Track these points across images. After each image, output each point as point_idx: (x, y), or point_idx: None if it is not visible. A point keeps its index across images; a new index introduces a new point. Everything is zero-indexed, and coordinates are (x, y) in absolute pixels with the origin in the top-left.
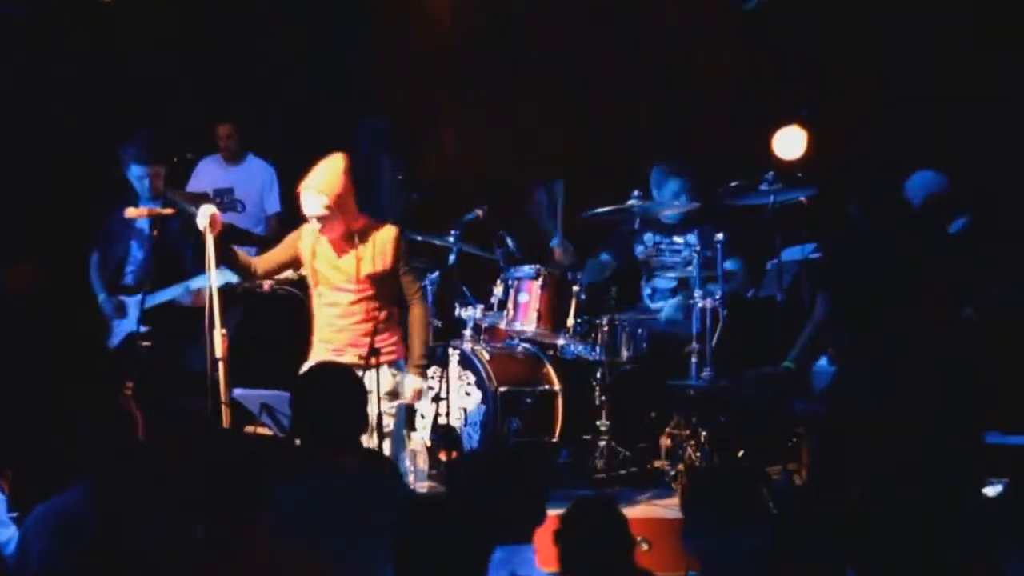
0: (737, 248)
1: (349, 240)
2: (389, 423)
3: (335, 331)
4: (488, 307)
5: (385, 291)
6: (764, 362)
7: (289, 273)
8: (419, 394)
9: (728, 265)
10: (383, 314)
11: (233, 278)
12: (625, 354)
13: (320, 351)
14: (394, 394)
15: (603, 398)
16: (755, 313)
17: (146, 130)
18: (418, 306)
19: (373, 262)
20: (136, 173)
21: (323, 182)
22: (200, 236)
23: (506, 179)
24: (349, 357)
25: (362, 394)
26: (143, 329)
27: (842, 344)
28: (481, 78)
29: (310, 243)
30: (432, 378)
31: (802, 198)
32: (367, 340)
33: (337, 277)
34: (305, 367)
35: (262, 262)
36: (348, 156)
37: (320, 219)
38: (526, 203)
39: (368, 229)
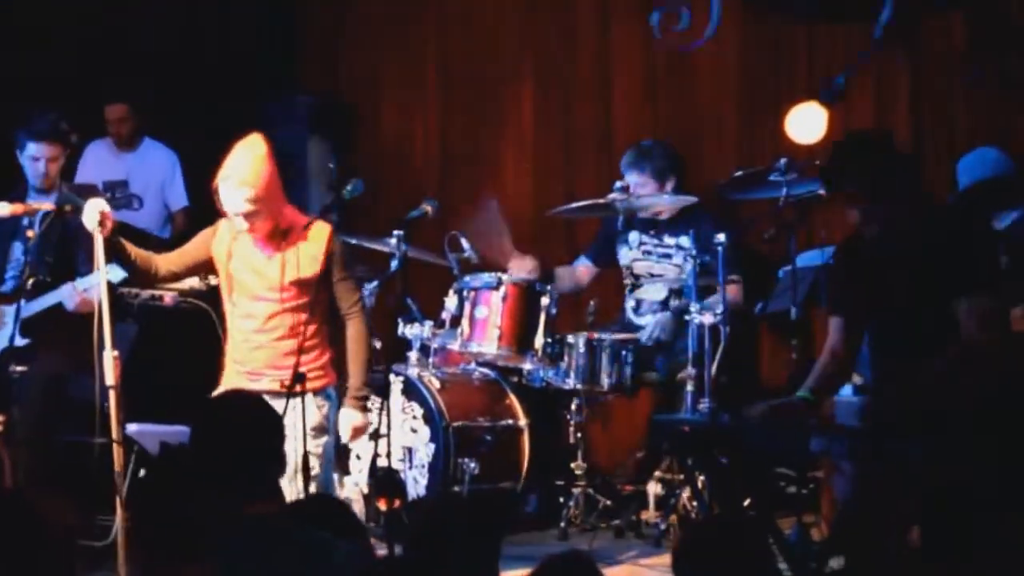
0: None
1: (274, 240)
2: (315, 465)
3: (251, 349)
4: (438, 324)
5: (314, 302)
6: (775, 392)
7: (195, 282)
8: (359, 432)
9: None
10: (310, 330)
11: (123, 273)
12: (606, 381)
13: (233, 375)
14: (321, 429)
15: (579, 435)
16: (764, 331)
17: (51, 110)
18: (356, 323)
19: (301, 266)
20: (31, 152)
21: (247, 171)
22: (90, 237)
23: (462, 167)
24: (267, 383)
25: (277, 429)
26: (22, 342)
27: (874, 371)
28: (430, 42)
29: (226, 243)
30: (370, 410)
31: (822, 191)
32: (291, 362)
33: (257, 284)
34: (211, 396)
35: (166, 262)
36: (266, 137)
37: (247, 216)
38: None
39: (296, 226)
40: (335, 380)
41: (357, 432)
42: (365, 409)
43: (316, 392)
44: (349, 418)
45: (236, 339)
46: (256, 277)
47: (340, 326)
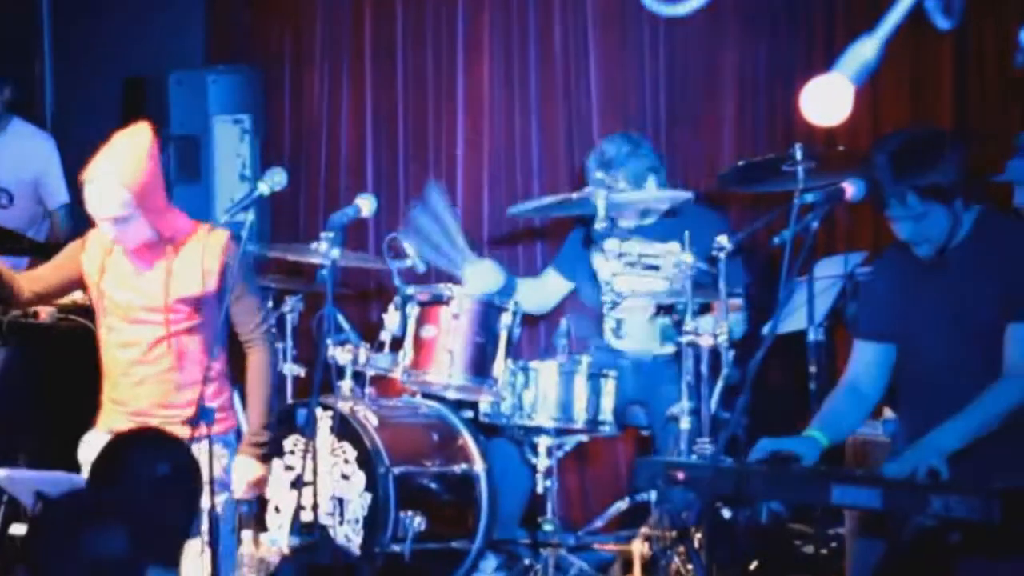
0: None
1: (156, 249)
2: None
3: (133, 385)
4: (376, 347)
5: (208, 325)
6: (789, 431)
7: (78, 295)
8: (256, 486)
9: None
10: (207, 358)
11: None
12: (581, 417)
13: (111, 416)
14: (219, 483)
15: (548, 483)
16: (774, 356)
17: None
18: (258, 352)
19: (190, 280)
20: None
21: (124, 170)
22: None
23: (405, 156)
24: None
25: (198, 480)
26: None
27: (907, 410)
28: (365, 3)
29: (98, 256)
30: (291, 453)
31: (846, 184)
32: (184, 398)
33: (136, 304)
34: (94, 439)
35: (31, 281)
36: (154, 128)
37: (118, 222)
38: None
39: (183, 233)
40: (236, 424)
41: (252, 486)
42: (264, 458)
43: (215, 438)
44: (244, 468)
45: (114, 373)
46: (135, 295)
47: (239, 355)
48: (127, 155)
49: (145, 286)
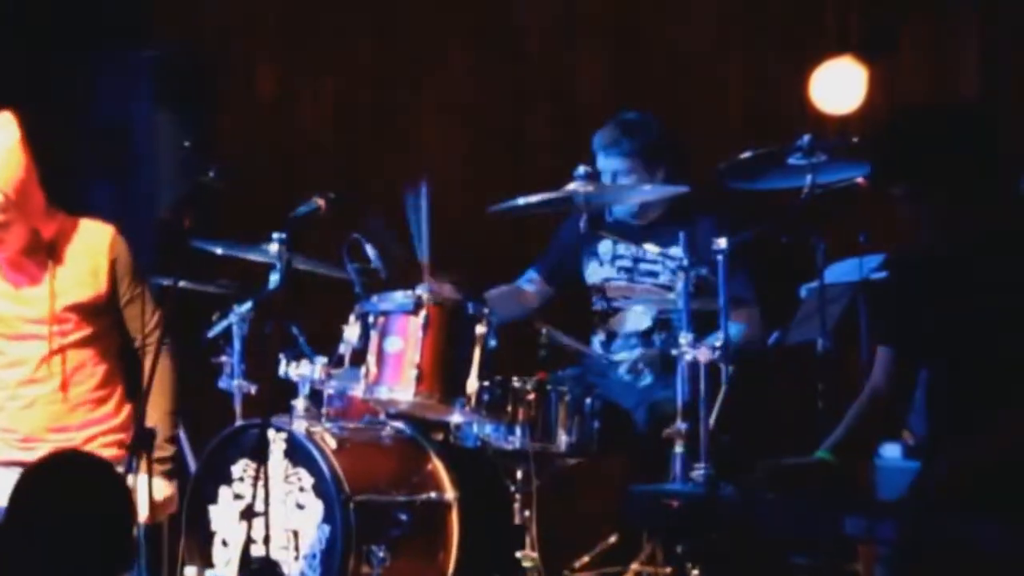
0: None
1: (36, 254)
2: None
3: (21, 408)
4: (335, 361)
5: (103, 334)
6: (791, 451)
7: None
8: (163, 509)
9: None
10: (101, 372)
11: None
12: (564, 440)
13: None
14: None
15: (528, 513)
16: (779, 371)
17: None
18: (158, 357)
19: (77, 286)
20: None
21: None
22: None
23: (369, 147)
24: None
25: (125, 507)
26: None
27: (932, 426)
28: None
29: None
30: (240, 480)
31: (860, 178)
32: (79, 419)
33: (18, 317)
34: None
35: None
36: (20, 116)
37: None
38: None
39: (65, 233)
40: None
41: (159, 509)
42: (170, 476)
43: (114, 462)
44: (149, 489)
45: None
46: (18, 306)
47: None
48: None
49: (27, 297)
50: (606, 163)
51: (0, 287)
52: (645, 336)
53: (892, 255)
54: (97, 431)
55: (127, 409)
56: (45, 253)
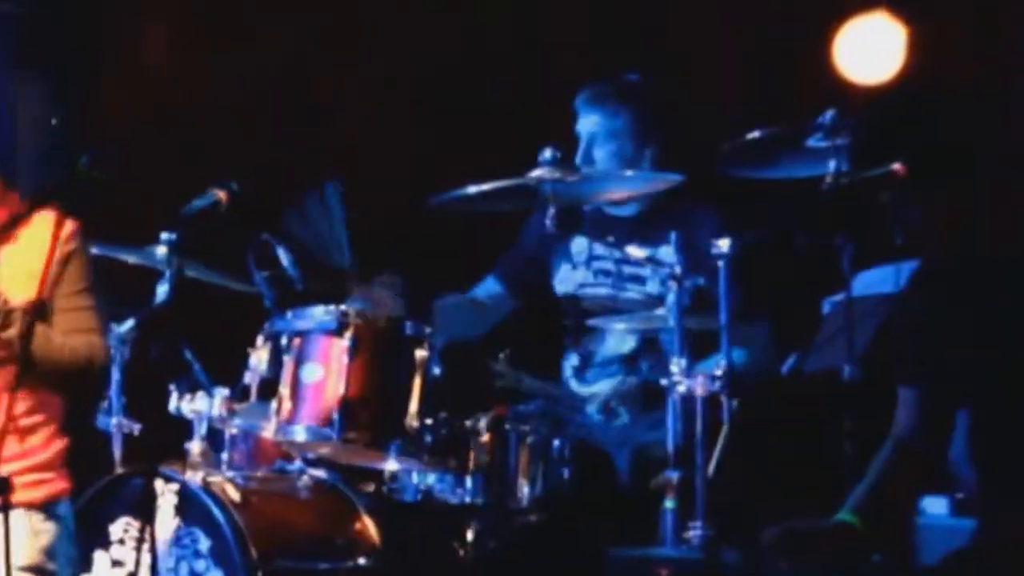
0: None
1: None
2: None
3: None
4: (239, 393)
5: None
6: (807, 509)
7: None
8: None
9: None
10: (25, 401)
11: None
12: (527, 492)
13: None
14: (39, 572)
15: None
16: (795, 406)
17: None
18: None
19: (21, 284)
20: None
21: None
22: None
23: (284, 127)
24: None
25: None
26: None
27: (982, 479)
28: None
29: None
30: (119, 542)
31: (896, 165)
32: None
33: None
34: None
35: None
36: None
37: None
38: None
39: (13, 222)
40: (69, 489)
41: None
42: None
43: (34, 507)
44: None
45: None
46: None
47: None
48: None
49: None
50: (585, 123)
51: None
52: (628, 361)
53: (917, 273)
54: (19, 467)
55: (59, 445)
56: None
